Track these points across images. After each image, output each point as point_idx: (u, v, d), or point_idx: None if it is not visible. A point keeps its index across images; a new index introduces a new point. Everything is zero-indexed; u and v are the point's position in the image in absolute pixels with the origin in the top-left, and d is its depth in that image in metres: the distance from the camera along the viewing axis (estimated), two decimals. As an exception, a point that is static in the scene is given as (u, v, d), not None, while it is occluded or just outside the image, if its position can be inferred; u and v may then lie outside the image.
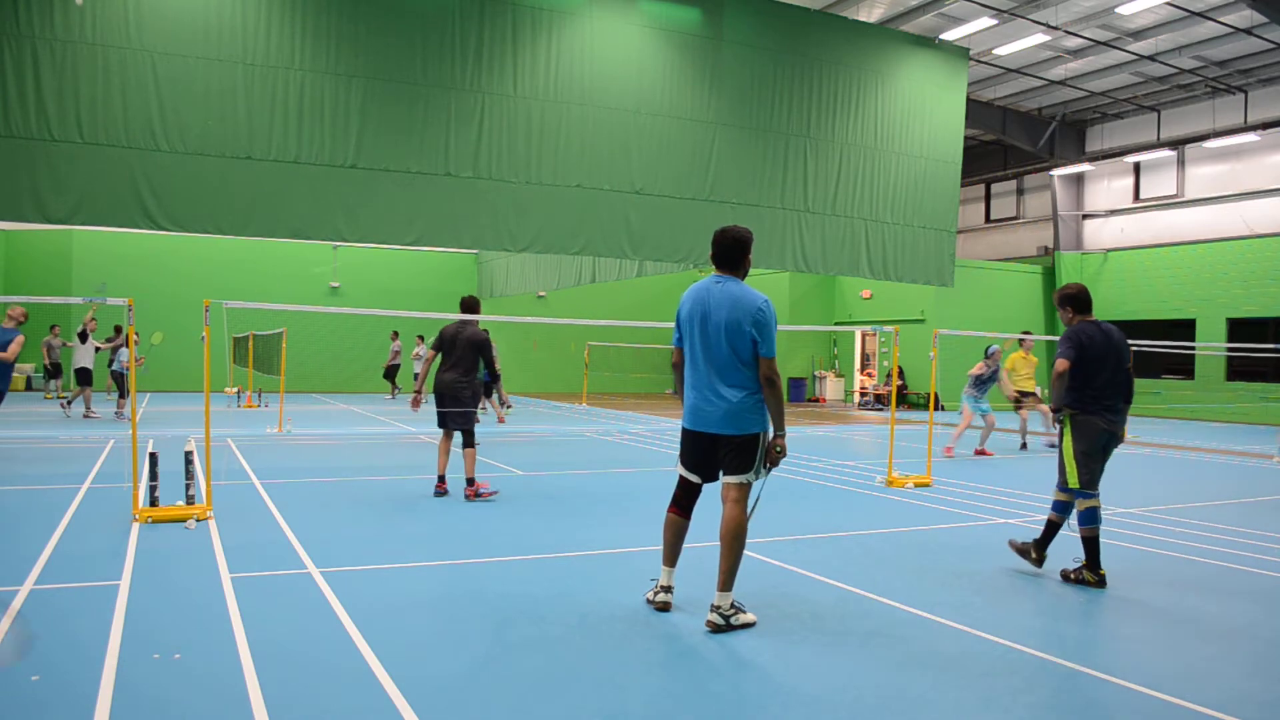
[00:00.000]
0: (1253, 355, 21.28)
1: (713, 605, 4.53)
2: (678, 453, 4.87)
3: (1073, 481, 5.76)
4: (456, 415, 8.32)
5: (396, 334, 24.56)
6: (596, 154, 13.14)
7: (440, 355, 8.49)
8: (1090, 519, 5.69)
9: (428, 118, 12.07)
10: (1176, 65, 20.91)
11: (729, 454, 4.59)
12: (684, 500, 4.80)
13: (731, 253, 4.64)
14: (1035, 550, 5.95)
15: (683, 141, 13.77)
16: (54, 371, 19.84)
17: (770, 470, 4.67)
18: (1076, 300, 5.98)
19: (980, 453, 13.15)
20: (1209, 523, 7.95)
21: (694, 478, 4.77)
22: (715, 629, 4.47)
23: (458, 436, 9.29)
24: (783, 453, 4.59)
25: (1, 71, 10.14)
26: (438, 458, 8.53)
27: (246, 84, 11.15)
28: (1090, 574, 5.68)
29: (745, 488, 4.60)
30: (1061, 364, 5.69)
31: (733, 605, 4.53)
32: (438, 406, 8.37)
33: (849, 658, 4.20)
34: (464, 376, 8.34)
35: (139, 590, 4.98)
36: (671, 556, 4.80)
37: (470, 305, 8.60)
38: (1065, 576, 5.79)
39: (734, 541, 4.53)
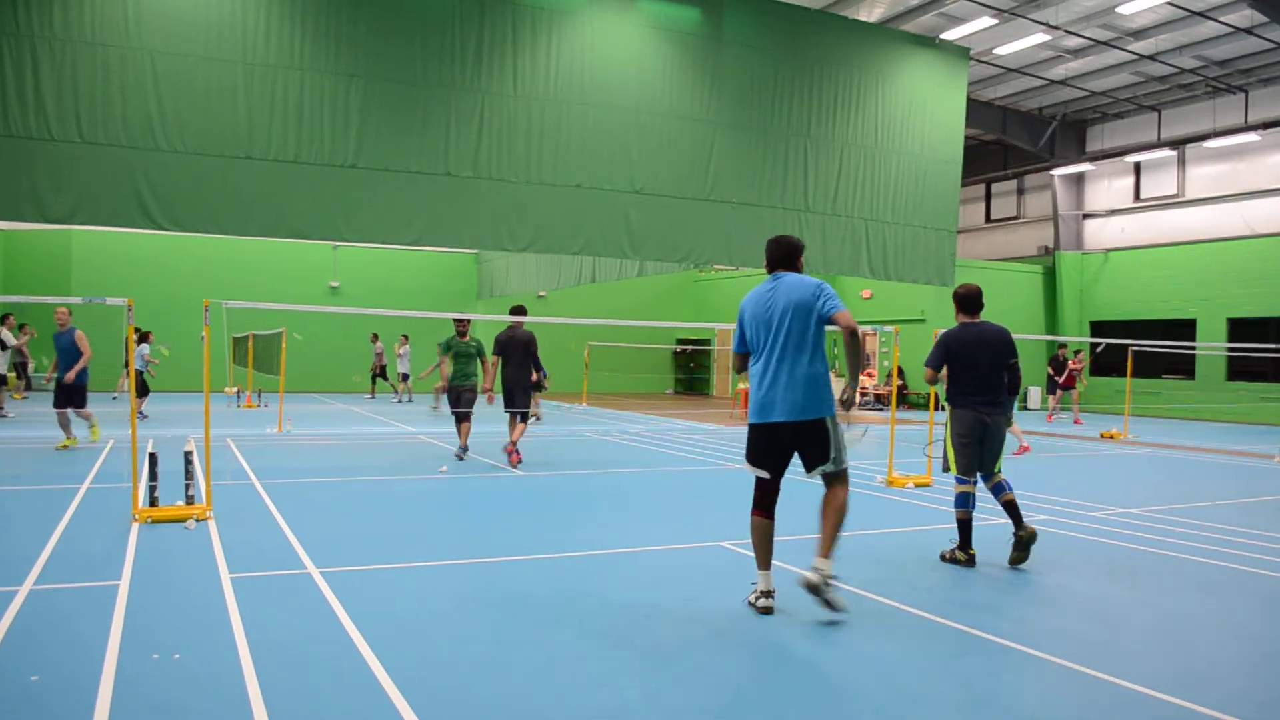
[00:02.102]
0: (1253, 355, 21.27)
1: (815, 566, 4.65)
2: (744, 454, 4.95)
3: (952, 469, 6.25)
4: (520, 403, 10.63)
5: (376, 336, 24.53)
6: (596, 154, 13.12)
7: (502, 359, 10.59)
8: (963, 503, 6.13)
9: (428, 118, 12.05)
10: (1177, 65, 20.90)
11: (806, 445, 4.72)
12: (765, 501, 4.87)
13: (789, 257, 5.00)
14: (961, 553, 6.15)
15: (683, 141, 13.75)
16: (20, 370, 20.24)
17: (848, 428, 4.90)
18: (962, 301, 6.42)
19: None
20: (1209, 523, 7.94)
21: (766, 474, 4.82)
22: (811, 587, 4.60)
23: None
24: (853, 402, 4.90)
25: (1, 71, 10.12)
26: (509, 432, 10.72)
27: (246, 83, 11.13)
28: (961, 554, 6.10)
29: (842, 473, 4.78)
30: (927, 373, 6.37)
31: (832, 580, 4.64)
32: (505, 402, 10.66)
33: (849, 658, 4.19)
34: (522, 373, 10.58)
35: (139, 590, 4.97)
36: (766, 559, 4.85)
37: (516, 310, 10.51)
38: (941, 557, 6.21)
39: (841, 515, 4.74)
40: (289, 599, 4.91)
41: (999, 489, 6.17)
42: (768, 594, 4.84)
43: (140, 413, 16.17)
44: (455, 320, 11.09)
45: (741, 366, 5.01)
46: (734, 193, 14.12)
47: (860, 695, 3.73)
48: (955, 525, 6.20)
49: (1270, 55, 20.44)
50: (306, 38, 11.43)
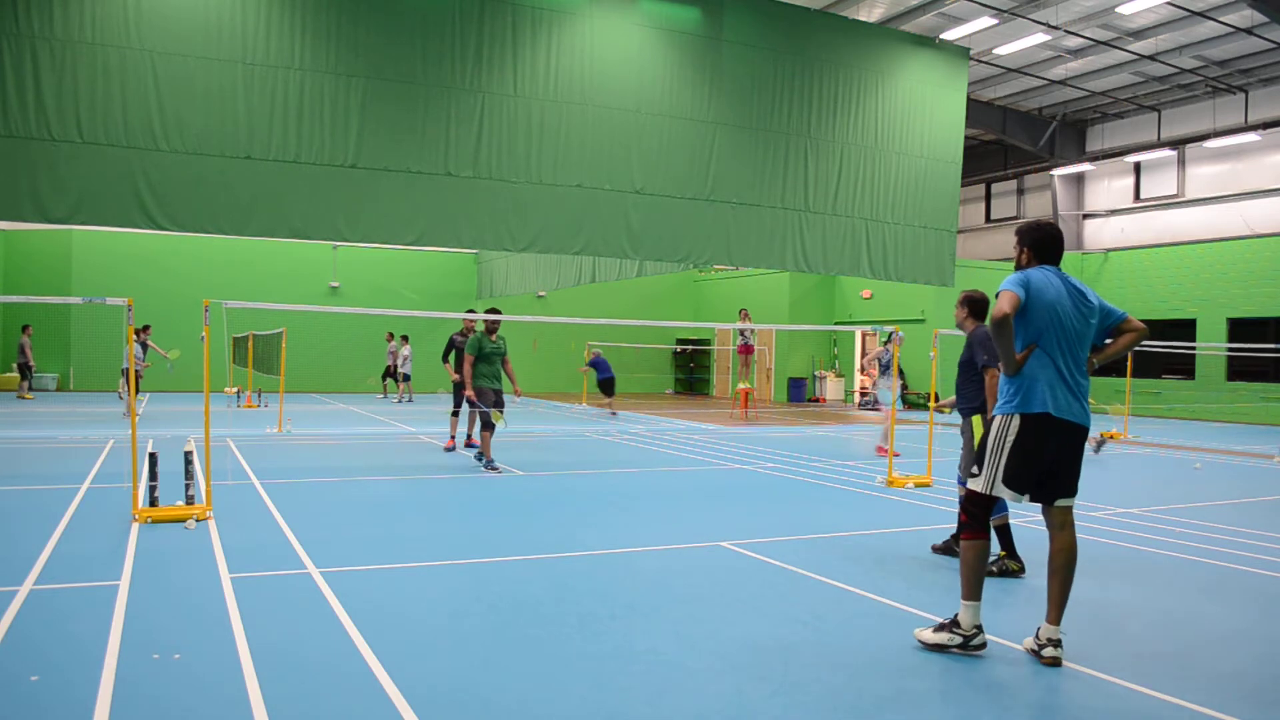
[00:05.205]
0: (1253, 355, 21.28)
1: (1053, 640, 4.20)
2: (997, 474, 4.28)
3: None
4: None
5: (392, 335, 24.55)
6: (596, 154, 13.12)
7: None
8: (1000, 507, 5.83)
9: (428, 118, 12.05)
10: (1177, 65, 20.91)
11: (1069, 462, 4.28)
12: (986, 520, 4.39)
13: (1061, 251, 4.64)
14: (1012, 562, 5.91)
15: (683, 141, 13.74)
16: (24, 371, 20.64)
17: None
18: (974, 304, 6.27)
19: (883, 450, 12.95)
20: (1209, 523, 7.94)
21: (1024, 498, 4.30)
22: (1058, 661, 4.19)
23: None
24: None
25: (1, 71, 10.12)
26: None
27: (246, 84, 11.13)
28: (1013, 563, 5.86)
29: (1071, 511, 4.37)
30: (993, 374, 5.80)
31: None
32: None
33: (849, 658, 4.19)
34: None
35: (138, 590, 4.97)
36: (980, 589, 4.34)
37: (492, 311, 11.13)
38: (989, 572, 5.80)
39: (1074, 568, 4.31)
40: (289, 599, 4.91)
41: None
42: (979, 627, 4.35)
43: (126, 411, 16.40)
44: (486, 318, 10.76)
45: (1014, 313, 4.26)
46: (734, 193, 14.12)
47: (861, 695, 3.73)
48: (995, 533, 5.87)
49: (1270, 55, 20.45)
50: (306, 38, 11.43)
